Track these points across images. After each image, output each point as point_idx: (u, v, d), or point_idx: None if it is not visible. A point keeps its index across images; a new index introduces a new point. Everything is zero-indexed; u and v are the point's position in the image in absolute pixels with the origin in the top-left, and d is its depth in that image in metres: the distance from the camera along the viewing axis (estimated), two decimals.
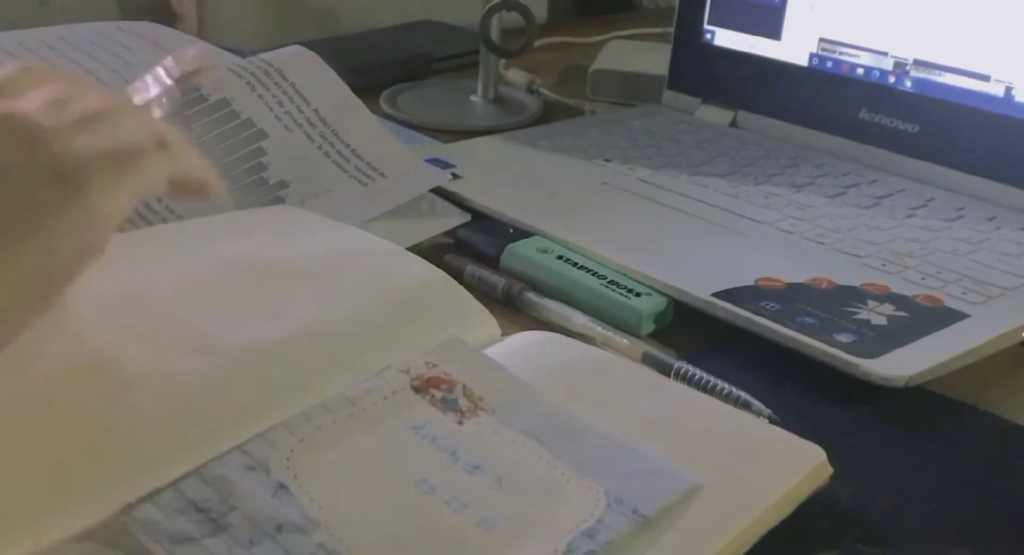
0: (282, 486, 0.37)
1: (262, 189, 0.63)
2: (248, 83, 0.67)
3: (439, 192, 0.67)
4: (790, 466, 0.41)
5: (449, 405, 0.42)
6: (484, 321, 0.50)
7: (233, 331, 0.45)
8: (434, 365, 0.44)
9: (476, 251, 0.61)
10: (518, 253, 0.60)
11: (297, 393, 0.42)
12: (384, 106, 0.86)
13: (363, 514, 0.37)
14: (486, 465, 0.39)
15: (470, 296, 0.51)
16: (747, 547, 0.38)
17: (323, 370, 0.43)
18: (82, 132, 0.38)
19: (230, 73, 0.68)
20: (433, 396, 0.42)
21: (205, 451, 0.38)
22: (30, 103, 0.39)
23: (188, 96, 0.65)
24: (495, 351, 0.47)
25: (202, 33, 1.02)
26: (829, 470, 0.41)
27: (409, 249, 0.58)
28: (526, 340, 0.49)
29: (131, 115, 0.42)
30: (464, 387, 0.43)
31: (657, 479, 0.39)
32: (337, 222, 0.57)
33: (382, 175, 0.66)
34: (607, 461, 0.40)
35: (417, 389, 0.42)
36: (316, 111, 0.68)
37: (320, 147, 0.66)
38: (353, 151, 0.67)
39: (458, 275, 0.59)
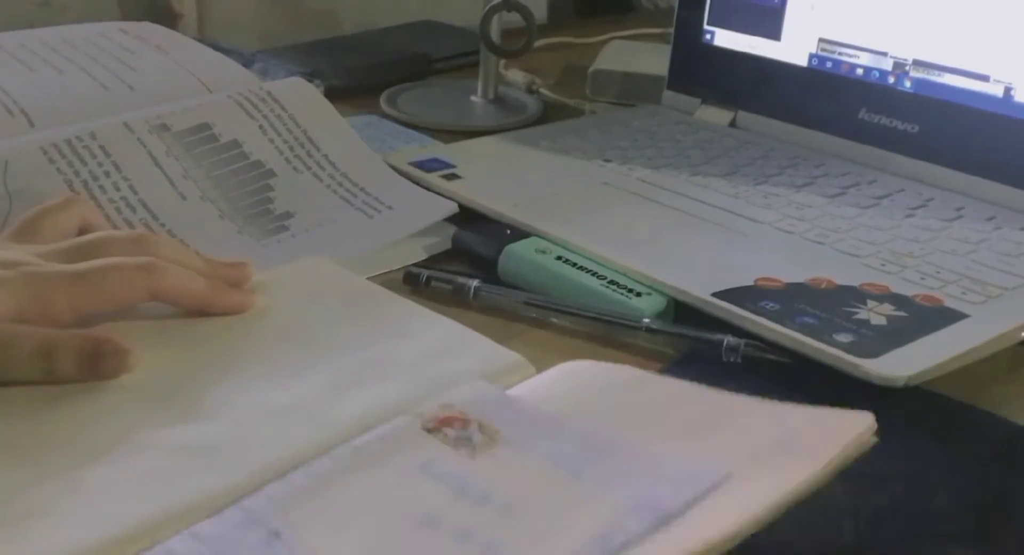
0: (277, 536, 0.37)
1: (267, 218, 0.65)
2: (260, 127, 0.69)
3: (438, 190, 0.67)
4: (837, 435, 0.39)
5: (462, 442, 0.41)
6: (517, 366, 0.49)
7: (256, 393, 0.46)
8: (450, 406, 0.43)
9: (474, 252, 0.61)
10: (517, 254, 0.60)
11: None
12: (384, 106, 0.86)
13: None
14: (495, 494, 0.38)
15: (497, 345, 0.50)
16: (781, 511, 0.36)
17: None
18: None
19: (243, 113, 0.69)
20: (446, 435, 0.41)
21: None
22: None
23: (199, 134, 0.66)
24: (530, 385, 0.47)
25: (202, 33, 1.02)
26: (874, 428, 0.40)
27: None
28: (559, 370, 0.48)
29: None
30: (480, 424, 0.42)
31: (683, 477, 0.38)
32: (361, 279, 0.57)
33: (389, 208, 0.66)
34: (631, 473, 0.39)
35: (429, 430, 0.41)
36: (326, 156, 0.70)
37: (328, 186, 0.68)
38: (362, 189, 0.68)
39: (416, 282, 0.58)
